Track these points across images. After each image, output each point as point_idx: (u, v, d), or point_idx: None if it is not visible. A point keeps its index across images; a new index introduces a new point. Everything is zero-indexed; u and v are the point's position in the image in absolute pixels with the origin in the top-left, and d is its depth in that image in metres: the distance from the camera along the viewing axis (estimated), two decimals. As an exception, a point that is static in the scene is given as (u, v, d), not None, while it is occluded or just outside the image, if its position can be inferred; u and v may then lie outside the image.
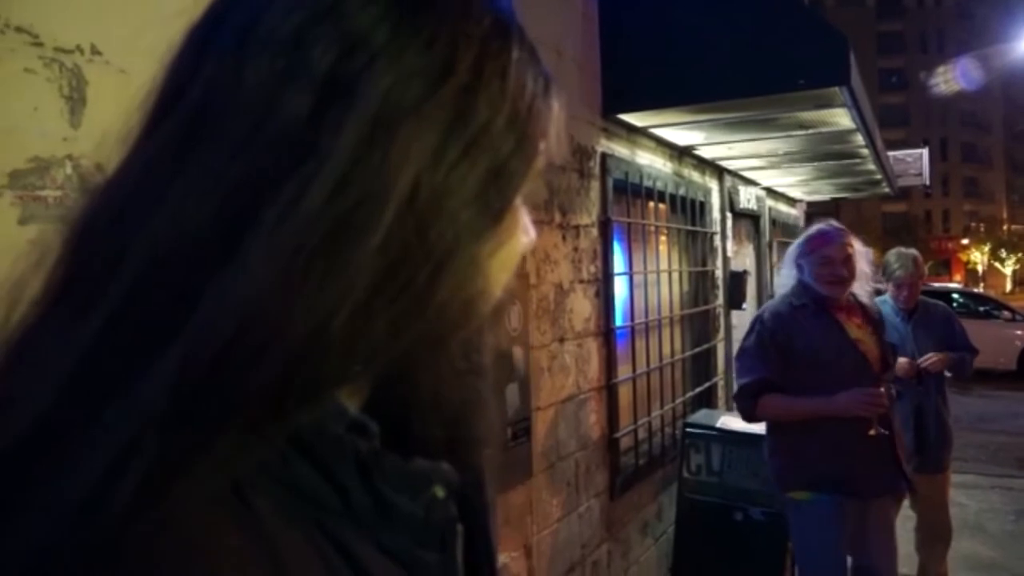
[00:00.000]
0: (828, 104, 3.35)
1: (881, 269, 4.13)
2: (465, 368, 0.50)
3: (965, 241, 59.91)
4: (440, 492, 0.47)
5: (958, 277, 51.65)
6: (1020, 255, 57.52)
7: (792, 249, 2.95)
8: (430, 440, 0.49)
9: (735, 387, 2.97)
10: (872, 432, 2.63)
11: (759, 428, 3.93)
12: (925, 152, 10.54)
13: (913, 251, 4.08)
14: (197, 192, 0.38)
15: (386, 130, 0.39)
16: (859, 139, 4.24)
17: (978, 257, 57.97)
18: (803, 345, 2.74)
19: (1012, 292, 51.98)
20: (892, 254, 4.05)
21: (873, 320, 2.89)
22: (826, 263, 2.77)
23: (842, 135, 4.13)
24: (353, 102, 0.39)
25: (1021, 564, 4.39)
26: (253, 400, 0.36)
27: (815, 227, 2.93)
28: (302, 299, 0.37)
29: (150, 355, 0.36)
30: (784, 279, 2.97)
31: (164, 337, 0.36)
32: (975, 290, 21.36)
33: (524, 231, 0.50)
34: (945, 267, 56.08)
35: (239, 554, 0.37)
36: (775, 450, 2.92)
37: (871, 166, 5.38)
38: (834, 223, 2.96)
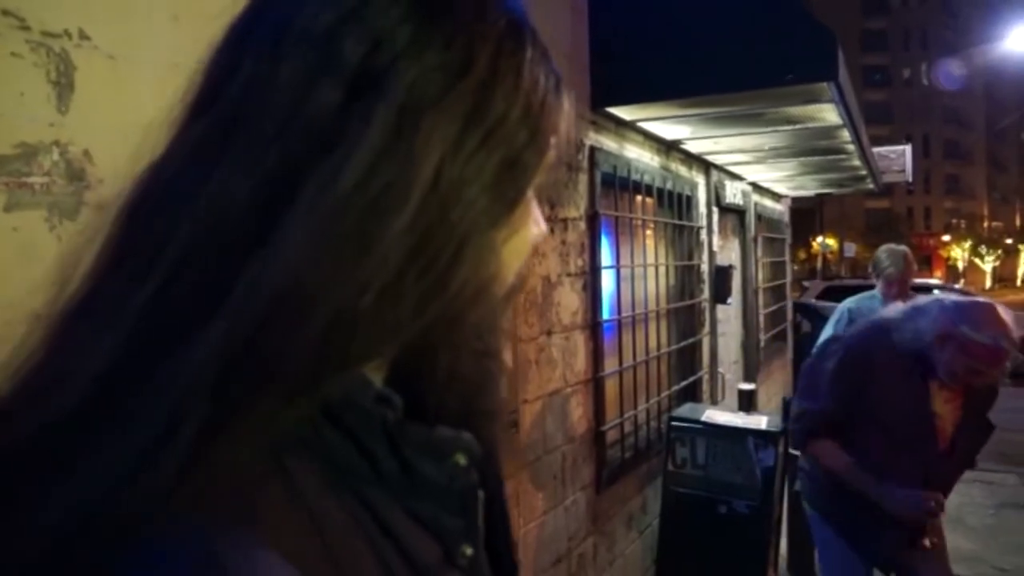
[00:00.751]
0: (815, 99, 3.36)
1: (871, 265, 4.17)
2: (479, 348, 0.52)
3: (946, 238, 60.49)
4: (462, 459, 0.50)
5: (939, 273, 52.19)
6: (1000, 252, 58.19)
7: (945, 317, 2.29)
8: (445, 414, 0.51)
9: (796, 404, 2.67)
10: (925, 544, 2.38)
11: (743, 422, 3.96)
12: (908, 149, 10.63)
13: (904, 248, 4.10)
14: (237, 176, 0.41)
15: (411, 120, 0.42)
16: (845, 135, 4.26)
17: (959, 253, 58.57)
18: (878, 395, 2.38)
19: (992, 288, 52.59)
20: (883, 251, 4.08)
21: (971, 395, 2.42)
22: (970, 372, 2.28)
23: (828, 131, 4.15)
24: (381, 94, 0.42)
25: (1001, 557, 4.44)
26: (290, 367, 0.39)
27: (994, 327, 2.23)
28: (336, 275, 0.40)
29: (196, 324, 0.39)
30: (905, 321, 2.40)
31: (208, 308, 0.39)
32: (956, 286, 21.55)
33: (535, 222, 0.53)
34: (926, 263, 56.58)
35: (281, 510, 0.40)
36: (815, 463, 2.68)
37: (856, 162, 5.41)
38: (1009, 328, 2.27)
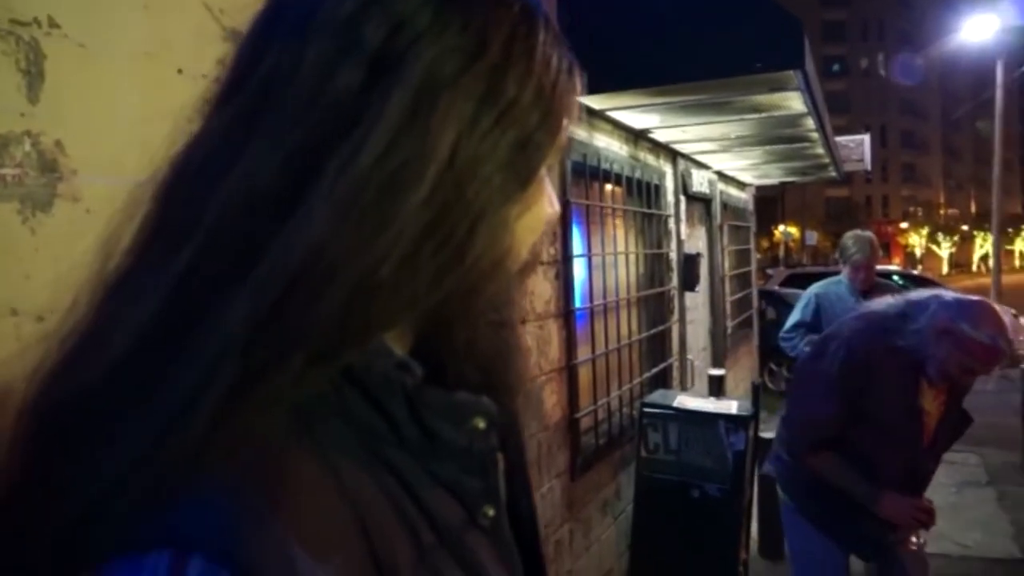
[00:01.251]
0: (782, 88, 3.40)
1: (838, 251, 4.23)
2: (496, 320, 0.55)
3: (904, 225, 61.65)
4: (481, 423, 0.51)
5: (897, 260, 53.16)
6: (955, 238, 59.48)
7: (945, 313, 2.24)
8: (465, 384, 0.53)
9: (794, 410, 2.59)
10: (913, 545, 2.40)
11: (714, 408, 4.01)
12: (867, 138, 10.76)
13: (869, 234, 4.17)
14: (264, 155, 0.43)
15: (428, 99, 0.45)
16: (810, 123, 4.32)
17: (916, 240, 59.74)
18: (877, 394, 2.33)
19: (948, 274, 53.75)
20: (849, 237, 4.13)
21: (954, 392, 2.43)
22: (963, 371, 2.26)
23: (794, 119, 4.20)
24: (400, 75, 0.44)
25: (964, 533, 4.57)
26: (314, 332, 0.42)
27: (993, 327, 2.19)
28: (357, 247, 0.42)
29: (227, 290, 0.41)
30: (903, 319, 2.33)
31: (238, 276, 0.41)
32: (914, 272, 22.00)
33: (549, 201, 0.55)
34: (885, 250, 57.59)
35: (307, 472, 0.43)
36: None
37: (820, 150, 5.49)
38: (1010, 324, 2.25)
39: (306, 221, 0.42)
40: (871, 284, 4.04)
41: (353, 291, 0.42)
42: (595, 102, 3.62)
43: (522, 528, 0.59)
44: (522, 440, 0.61)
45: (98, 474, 0.39)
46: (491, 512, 0.52)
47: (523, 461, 0.61)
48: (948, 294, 2.37)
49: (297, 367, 0.41)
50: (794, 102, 3.74)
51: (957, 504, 4.99)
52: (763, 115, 4.06)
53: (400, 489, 0.47)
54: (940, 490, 5.08)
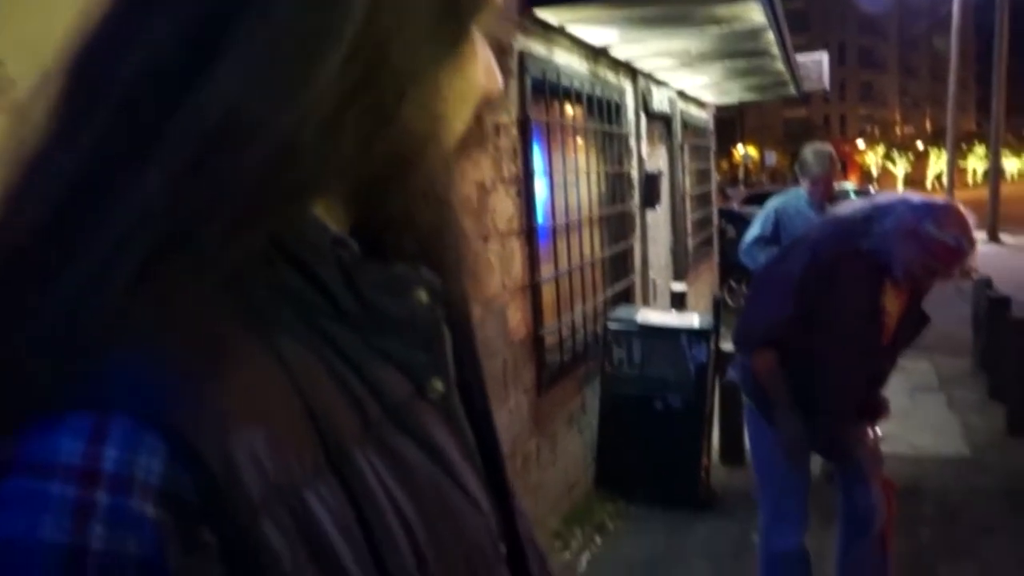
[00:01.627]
0: (742, -3, 3.37)
1: (797, 165, 4.24)
2: (433, 195, 0.52)
3: (861, 144, 62.19)
4: (423, 296, 0.51)
5: (853, 178, 53.72)
6: (911, 156, 60.27)
7: (911, 214, 2.26)
8: (405, 257, 0.51)
9: (753, 311, 2.61)
10: (869, 443, 2.52)
11: (677, 322, 4.07)
12: (825, 56, 10.72)
13: (829, 148, 4.18)
14: (172, 17, 0.42)
15: None
16: (770, 36, 4.30)
17: (872, 159, 60.42)
18: (837, 299, 2.33)
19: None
20: (809, 152, 4.13)
21: (916, 293, 2.46)
22: (927, 272, 2.29)
23: (754, 33, 4.17)
24: None
25: (917, 435, 4.76)
26: (237, 194, 0.40)
27: (957, 228, 2.23)
28: (274, 108, 0.41)
29: (142, 154, 0.40)
30: (869, 222, 2.34)
31: (152, 139, 0.40)
32: (869, 189, 22.31)
33: (486, 71, 0.53)
34: (842, 169, 58.16)
35: (244, 343, 0.42)
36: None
37: (780, 66, 5.48)
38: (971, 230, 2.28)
39: (220, 82, 0.40)
40: (831, 197, 4.08)
41: (274, 152, 0.41)
42: (553, 16, 3.55)
43: (473, 405, 0.58)
44: (471, 321, 0.60)
45: (16, 337, 0.38)
46: (439, 386, 0.52)
47: (472, 343, 0.60)
48: (915, 197, 2.40)
49: (222, 229, 0.40)
50: (754, 13, 3.71)
51: (910, 409, 5.17)
52: (723, 28, 4.02)
53: (343, 364, 0.46)
54: (895, 396, 5.24)
